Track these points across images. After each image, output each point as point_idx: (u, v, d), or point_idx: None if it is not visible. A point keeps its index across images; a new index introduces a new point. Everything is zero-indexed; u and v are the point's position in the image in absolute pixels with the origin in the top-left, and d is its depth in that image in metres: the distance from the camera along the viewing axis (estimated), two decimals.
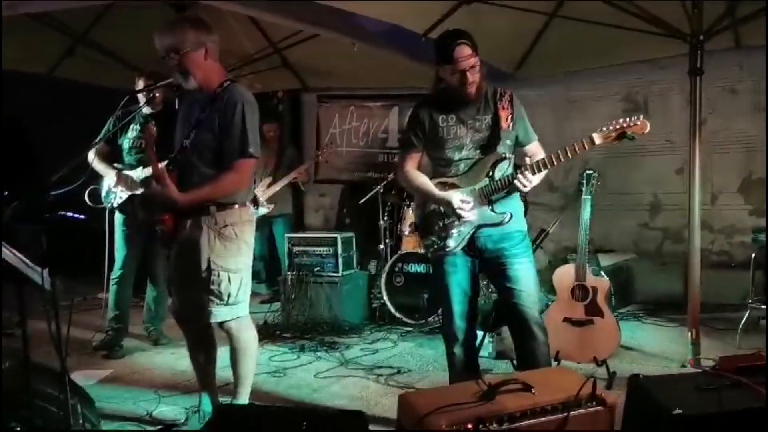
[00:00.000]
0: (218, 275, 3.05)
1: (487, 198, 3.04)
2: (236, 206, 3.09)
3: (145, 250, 4.97)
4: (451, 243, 3.09)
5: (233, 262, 3.09)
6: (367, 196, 6.05)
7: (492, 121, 3.04)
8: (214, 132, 3.01)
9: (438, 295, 3.28)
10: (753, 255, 4.77)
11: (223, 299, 3.07)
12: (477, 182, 3.05)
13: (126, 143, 4.88)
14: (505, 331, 4.56)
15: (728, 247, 6.38)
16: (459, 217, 3.02)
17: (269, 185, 6.03)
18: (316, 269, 5.62)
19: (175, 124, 4.69)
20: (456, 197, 3.02)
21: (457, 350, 3.20)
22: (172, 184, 2.95)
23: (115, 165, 4.81)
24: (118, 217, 4.89)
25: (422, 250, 5.49)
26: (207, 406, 3.40)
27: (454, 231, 3.08)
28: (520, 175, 2.93)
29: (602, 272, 4.67)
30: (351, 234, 5.85)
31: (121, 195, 4.75)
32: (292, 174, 6.13)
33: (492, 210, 3.04)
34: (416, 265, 5.65)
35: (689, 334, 4.29)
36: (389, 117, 7.61)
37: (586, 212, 4.07)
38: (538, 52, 6.13)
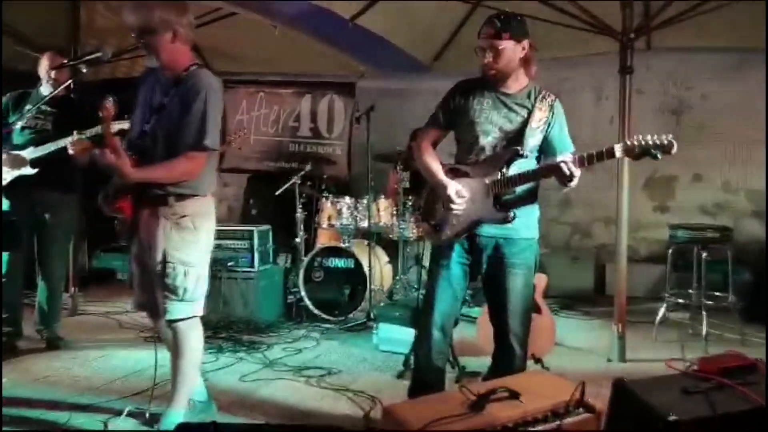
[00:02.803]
0: (174, 268, 2.86)
1: (495, 194, 2.87)
2: (197, 197, 2.92)
3: (36, 242, 4.46)
4: (447, 232, 2.94)
5: (192, 255, 2.90)
6: (284, 188, 5.75)
7: (525, 118, 2.89)
8: (176, 118, 2.83)
9: (427, 286, 3.11)
10: (669, 251, 4.91)
11: (178, 294, 2.88)
12: (489, 175, 2.88)
13: (19, 123, 4.36)
14: None
15: (632, 242, 6.60)
16: (449, 208, 2.88)
17: None
18: (230, 264, 5.28)
19: (73, 109, 4.35)
20: (453, 186, 2.87)
21: (428, 349, 3.01)
22: (125, 157, 2.71)
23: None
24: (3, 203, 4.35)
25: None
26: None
27: (453, 220, 2.93)
28: (563, 164, 2.70)
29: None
30: (268, 227, 5.54)
31: (5, 177, 4.21)
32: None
33: (496, 207, 2.88)
34: (336, 259, 5.46)
35: (615, 328, 4.36)
36: (301, 105, 7.31)
37: None
38: (455, 45, 6.08)
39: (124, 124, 4.22)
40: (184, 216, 2.88)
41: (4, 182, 4.22)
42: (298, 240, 5.81)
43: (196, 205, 2.92)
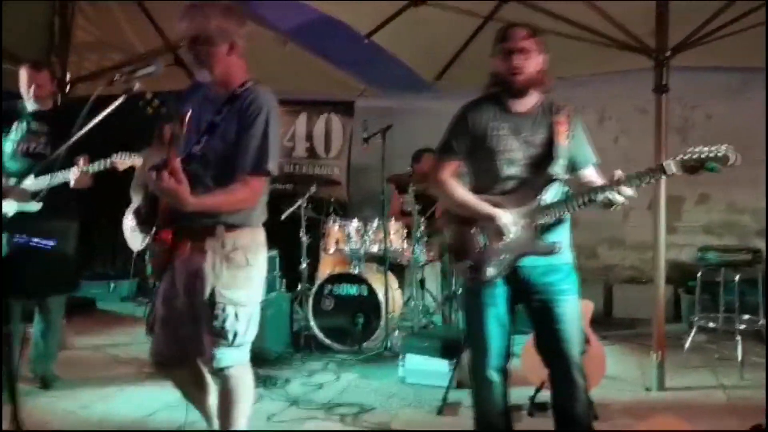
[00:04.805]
0: (223, 309, 2.49)
1: (536, 224, 2.65)
2: (248, 228, 2.58)
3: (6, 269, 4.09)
4: (491, 271, 2.66)
5: (243, 294, 2.54)
6: (289, 211, 5.46)
7: (547, 137, 2.67)
8: (231, 139, 2.50)
9: (470, 330, 2.87)
10: (699, 274, 4.81)
11: (228, 339, 2.51)
12: (525, 204, 2.66)
13: (8, 146, 3.99)
14: (463, 358, 4.25)
15: (639, 263, 6.55)
16: (502, 239, 2.63)
17: None
18: None
19: (67, 127, 3.99)
20: (507, 215, 2.62)
21: (490, 394, 2.79)
22: (186, 183, 2.31)
23: None
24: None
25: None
26: None
27: (496, 257, 2.67)
28: (609, 192, 2.52)
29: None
30: (274, 252, 5.25)
31: (6, 210, 3.81)
32: None
33: (541, 237, 2.66)
34: (348, 286, 5.17)
35: (654, 356, 4.20)
36: (296, 124, 7.04)
37: None
38: (460, 62, 5.93)
39: (136, 160, 3.92)
40: (236, 249, 2.53)
41: (6, 217, 3.82)
42: (303, 266, 5.52)
43: (248, 236, 2.58)
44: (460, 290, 5.14)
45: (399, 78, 6.13)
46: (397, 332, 5.15)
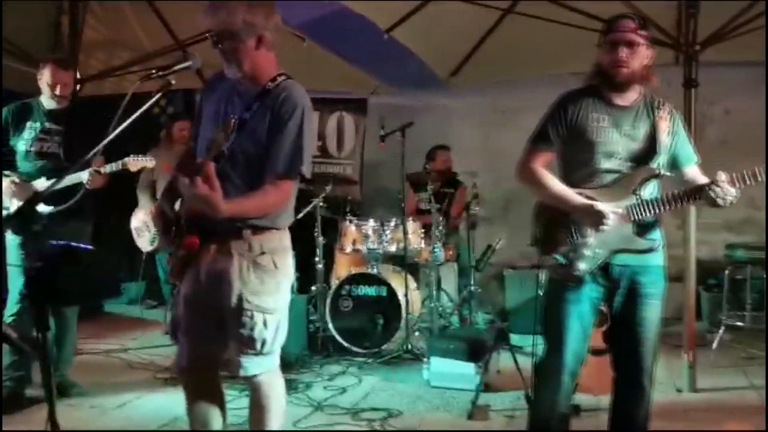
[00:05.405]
0: (251, 316, 2.36)
1: (634, 220, 2.56)
2: (275, 230, 2.45)
3: (46, 274, 3.96)
4: (582, 266, 2.56)
5: (271, 300, 2.41)
6: (305, 211, 5.35)
7: (648, 132, 2.58)
8: (262, 138, 2.37)
9: (547, 325, 2.75)
10: (726, 271, 4.72)
11: (255, 347, 2.38)
12: (621, 199, 2.56)
13: (21, 145, 3.88)
14: (491, 360, 4.18)
15: None
16: (597, 233, 2.54)
17: None
18: None
19: (81, 126, 3.90)
20: (604, 208, 2.51)
21: (557, 396, 2.67)
22: (219, 189, 2.17)
23: (6, 173, 3.80)
24: (12, 238, 3.78)
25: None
26: None
27: (588, 252, 2.56)
28: (715, 185, 2.46)
29: None
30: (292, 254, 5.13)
31: (13, 208, 3.69)
32: None
33: (637, 234, 2.57)
34: (366, 287, 5.07)
35: (686, 356, 4.12)
36: None
37: None
38: (475, 59, 5.84)
39: (149, 162, 3.85)
40: (263, 253, 2.40)
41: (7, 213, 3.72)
42: (320, 266, 5.42)
43: (275, 239, 2.45)
44: (475, 289, 5.17)
45: (413, 75, 6.04)
46: (417, 333, 5.05)
